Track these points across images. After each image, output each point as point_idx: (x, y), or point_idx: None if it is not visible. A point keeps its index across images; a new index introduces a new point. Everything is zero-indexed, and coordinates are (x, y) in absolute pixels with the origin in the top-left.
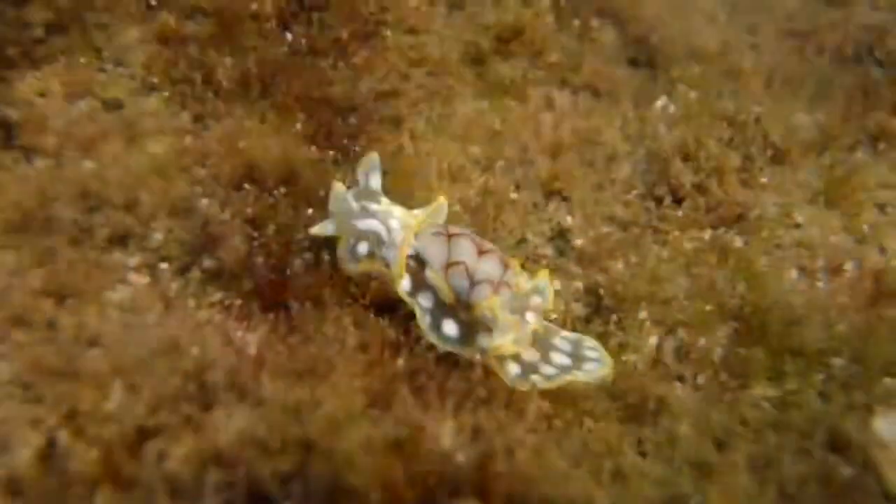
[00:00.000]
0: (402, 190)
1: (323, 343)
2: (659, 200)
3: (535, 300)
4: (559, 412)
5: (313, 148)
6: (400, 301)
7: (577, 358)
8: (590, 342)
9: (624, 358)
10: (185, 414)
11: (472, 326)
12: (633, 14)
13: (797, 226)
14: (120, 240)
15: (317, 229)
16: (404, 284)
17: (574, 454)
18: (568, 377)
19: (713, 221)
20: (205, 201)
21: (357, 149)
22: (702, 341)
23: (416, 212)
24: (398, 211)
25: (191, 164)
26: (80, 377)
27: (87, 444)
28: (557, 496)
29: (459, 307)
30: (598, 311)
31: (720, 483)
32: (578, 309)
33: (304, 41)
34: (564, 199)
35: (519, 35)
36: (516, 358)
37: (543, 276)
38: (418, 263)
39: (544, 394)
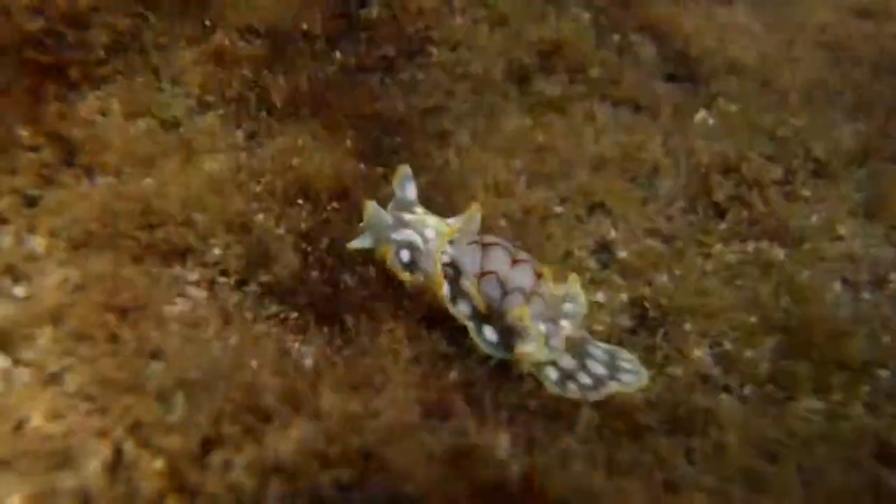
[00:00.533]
0: (448, 204)
1: (378, 355)
2: (701, 214)
3: (569, 307)
4: (608, 423)
5: (363, 164)
6: (450, 314)
7: (614, 368)
8: (625, 354)
9: (670, 370)
10: (246, 425)
11: (508, 334)
12: (671, 29)
13: (840, 238)
14: (180, 255)
15: (355, 243)
16: (446, 290)
17: (626, 465)
18: (609, 390)
19: (756, 234)
20: (260, 217)
21: (406, 164)
22: (747, 353)
23: (450, 221)
24: (432, 220)
25: (246, 180)
26: (144, 390)
27: (152, 455)
28: None
29: (493, 316)
30: (643, 324)
31: (772, 494)
32: (624, 321)
33: (352, 59)
34: (607, 212)
35: (560, 51)
36: (554, 364)
37: (574, 282)
38: (455, 271)
39: (593, 405)
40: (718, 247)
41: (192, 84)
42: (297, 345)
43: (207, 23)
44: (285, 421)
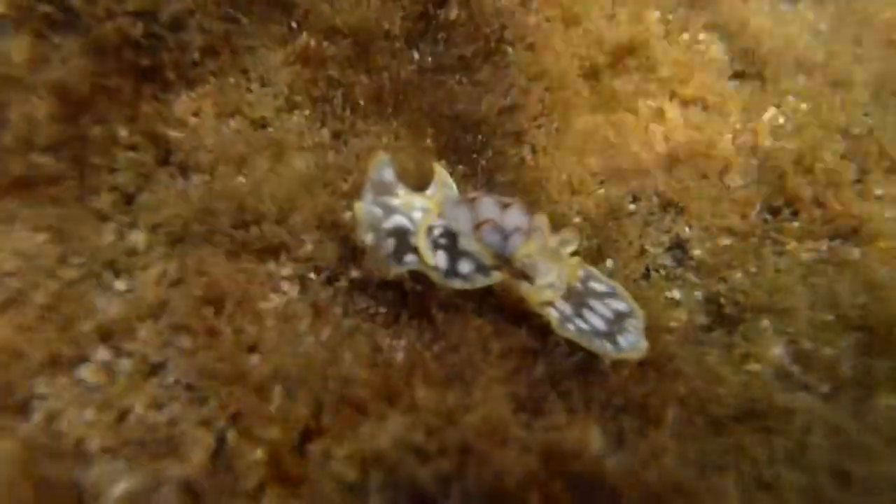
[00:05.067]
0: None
1: (467, 350)
2: (775, 212)
3: (563, 251)
4: (691, 418)
5: (443, 162)
6: (534, 311)
7: (615, 328)
8: (636, 320)
9: (748, 367)
10: (343, 417)
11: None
12: (738, 27)
13: None
14: (273, 251)
15: (362, 238)
16: (440, 261)
17: (715, 461)
18: (603, 349)
19: (830, 233)
20: (349, 214)
21: (484, 162)
22: (826, 351)
23: (429, 191)
24: (418, 201)
25: (333, 178)
26: (242, 381)
27: (253, 445)
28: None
29: (500, 265)
30: (720, 321)
31: (863, 494)
32: (700, 318)
33: (430, 59)
34: (681, 210)
35: (631, 50)
36: (553, 305)
37: (570, 231)
38: (449, 237)
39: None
40: (793, 244)
41: (280, 84)
42: (388, 339)
43: (294, 24)
44: (382, 414)
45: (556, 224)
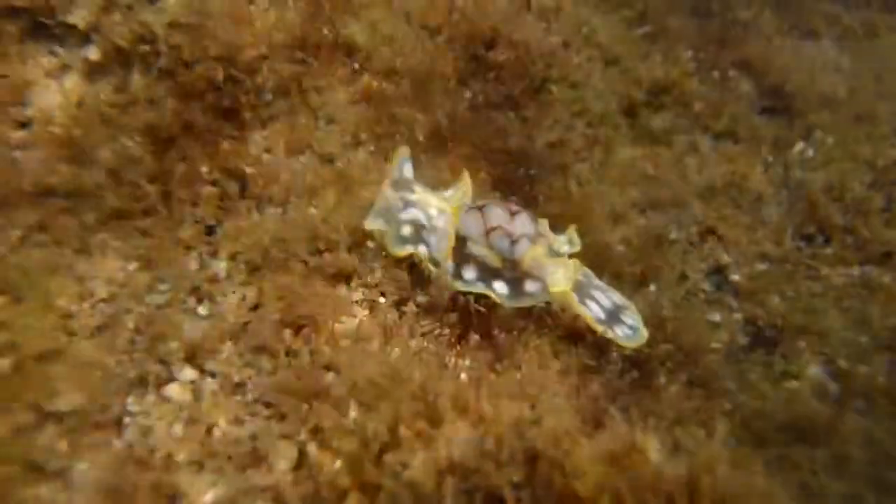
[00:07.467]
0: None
1: (528, 368)
2: (808, 239)
3: (566, 248)
4: (738, 433)
5: (498, 194)
6: (590, 330)
7: (613, 318)
8: (632, 313)
9: (787, 385)
10: (417, 430)
11: (519, 280)
12: (764, 65)
13: None
14: (345, 277)
15: (368, 224)
16: (448, 266)
17: (763, 470)
18: (603, 329)
19: (861, 259)
20: None
21: (534, 194)
22: (861, 369)
23: (447, 193)
24: (434, 199)
25: None
26: (320, 397)
27: (333, 456)
28: None
29: (506, 267)
30: (759, 342)
31: None
32: (741, 339)
33: (481, 97)
34: (719, 238)
35: (666, 87)
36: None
37: (571, 230)
38: (458, 241)
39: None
40: (826, 270)
41: (346, 122)
42: (453, 359)
43: (356, 66)
44: (455, 426)
45: (601, 254)
